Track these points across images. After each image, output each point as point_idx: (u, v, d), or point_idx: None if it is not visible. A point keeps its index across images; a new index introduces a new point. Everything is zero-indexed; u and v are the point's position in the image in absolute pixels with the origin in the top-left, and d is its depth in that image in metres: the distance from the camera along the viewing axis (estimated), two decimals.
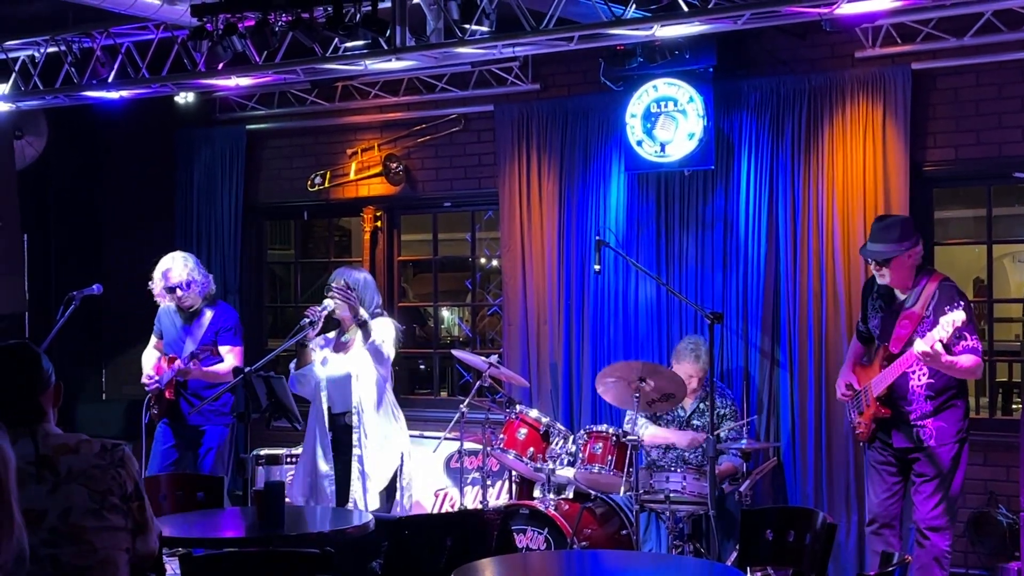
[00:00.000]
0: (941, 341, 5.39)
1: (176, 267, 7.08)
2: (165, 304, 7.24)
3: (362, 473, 6.42)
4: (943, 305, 5.54)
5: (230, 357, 7.04)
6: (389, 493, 6.56)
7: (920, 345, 5.44)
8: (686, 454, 6.72)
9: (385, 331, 6.46)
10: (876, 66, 6.94)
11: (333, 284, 6.52)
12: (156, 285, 7.14)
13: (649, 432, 6.73)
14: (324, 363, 6.53)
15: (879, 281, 5.91)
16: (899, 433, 5.82)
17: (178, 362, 6.93)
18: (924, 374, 5.73)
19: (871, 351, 6.05)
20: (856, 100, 6.93)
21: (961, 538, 6.69)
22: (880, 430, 5.89)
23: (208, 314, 7.15)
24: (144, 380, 7.19)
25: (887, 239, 5.81)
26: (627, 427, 6.53)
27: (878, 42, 6.95)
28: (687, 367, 6.82)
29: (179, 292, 7.07)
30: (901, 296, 5.88)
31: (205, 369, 6.92)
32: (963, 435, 5.79)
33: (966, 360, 5.55)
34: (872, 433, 5.90)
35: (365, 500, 6.41)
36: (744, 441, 6.54)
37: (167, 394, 7.05)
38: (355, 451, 6.44)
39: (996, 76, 6.76)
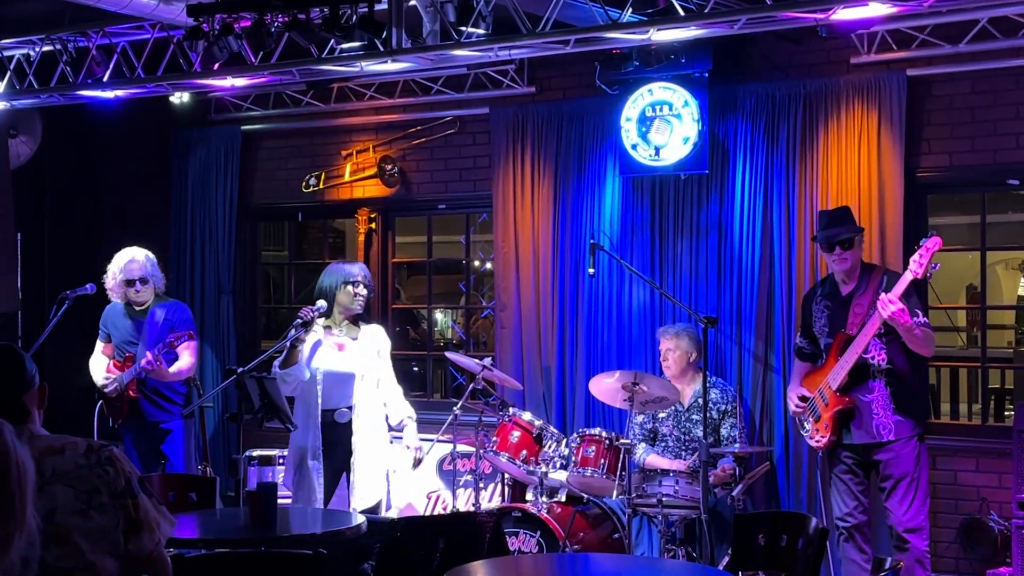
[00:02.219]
0: (899, 298, 5.63)
1: (136, 261, 7.06)
2: (115, 300, 7.17)
3: (359, 476, 6.41)
4: (892, 286, 5.77)
5: (186, 355, 7.02)
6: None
7: (883, 297, 5.65)
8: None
9: (398, 388, 6.70)
10: (871, 72, 6.95)
11: (360, 282, 6.51)
12: (113, 278, 7.08)
13: (649, 460, 6.73)
14: (317, 348, 6.47)
15: (837, 268, 6.08)
16: (859, 428, 5.90)
17: (148, 355, 6.79)
18: (883, 360, 5.81)
19: (816, 362, 6.22)
20: (851, 106, 6.94)
21: (953, 544, 6.70)
22: (841, 430, 5.93)
23: (160, 312, 7.07)
24: (102, 382, 7.06)
25: (844, 223, 6.10)
26: (629, 437, 6.54)
27: (874, 48, 6.96)
28: (663, 344, 6.95)
29: (137, 286, 7.04)
30: (847, 289, 6.04)
31: (168, 370, 6.91)
32: (922, 430, 5.93)
33: (922, 330, 5.77)
34: (833, 441, 5.94)
35: (359, 493, 6.40)
36: (737, 445, 6.55)
37: (130, 392, 6.97)
38: (354, 450, 6.42)
39: (991, 83, 6.77)
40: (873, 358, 5.86)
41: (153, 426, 7.08)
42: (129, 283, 7.03)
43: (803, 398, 6.13)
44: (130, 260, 7.06)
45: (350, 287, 6.47)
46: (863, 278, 5.99)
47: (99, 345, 7.27)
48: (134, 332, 7.07)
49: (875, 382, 5.87)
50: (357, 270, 6.56)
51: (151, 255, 7.18)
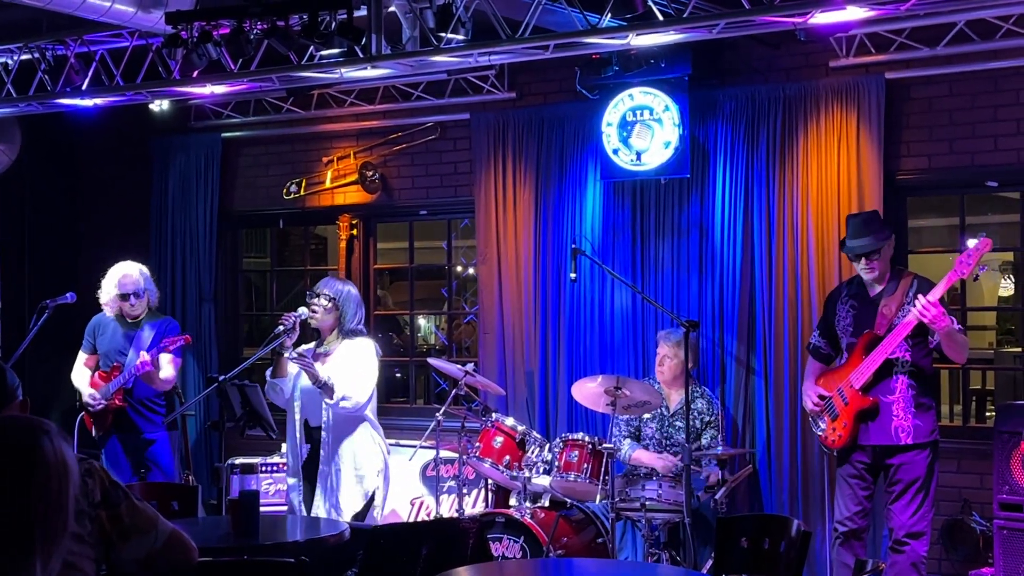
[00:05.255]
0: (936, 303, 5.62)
1: (132, 275, 7.05)
2: (109, 313, 7.16)
3: (327, 492, 6.29)
4: (923, 291, 5.74)
5: (170, 368, 7.00)
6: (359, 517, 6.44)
7: (922, 300, 5.62)
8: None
9: (361, 371, 6.29)
10: (850, 75, 6.98)
11: (315, 293, 6.45)
12: (108, 292, 7.07)
13: (635, 455, 6.73)
14: (298, 376, 6.43)
15: (867, 277, 6.01)
16: (878, 428, 5.86)
17: (144, 354, 6.79)
18: (907, 361, 5.80)
19: (831, 363, 6.18)
20: (830, 109, 6.97)
21: (935, 545, 6.71)
22: (857, 430, 5.91)
23: (152, 327, 7.06)
24: (88, 399, 7.04)
25: (871, 232, 5.98)
26: (613, 441, 6.53)
27: (852, 52, 6.99)
28: (661, 349, 6.92)
29: (132, 300, 7.02)
30: (876, 289, 5.99)
31: (160, 376, 6.89)
32: (935, 437, 5.90)
33: (961, 335, 5.76)
34: (848, 442, 5.92)
35: (323, 507, 6.33)
36: (720, 448, 6.56)
37: (116, 400, 6.95)
38: (321, 470, 6.29)
39: (969, 86, 6.81)
40: (899, 359, 5.86)
41: (138, 436, 7.05)
42: (124, 297, 7.03)
43: (821, 397, 6.10)
44: (125, 274, 7.06)
45: (310, 300, 6.44)
46: (892, 280, 5.92)
47: (81, 356, 7.23)
48: (124, 343, 7.05)
49: (897, 383, 5.84)
50: (319, 284, 6.46)
51: (145, 269, 7.17)
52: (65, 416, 9.21)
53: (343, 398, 6.19)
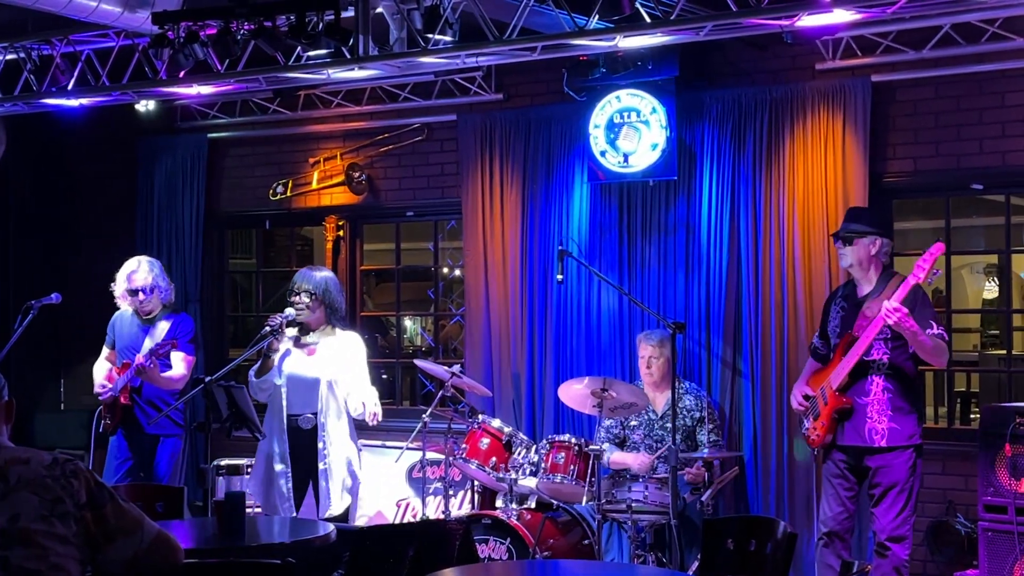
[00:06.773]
0: (901, 303, 5.61)
1: (141, 271, 7.02)
2: (124, 307, 7.16)
3: (325, 476, 6.37)
4: (910, 305, 5.70)
5: (181, 365, 6.98)
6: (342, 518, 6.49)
7: (887, 304, 5.62)
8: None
9: (363, 371, 6.51)
10: (836, 78, 7.00)
11: (295, 291, 6.46)
12: (119, 287, 7.07)
13: (613, 457, 6.74)
14: (287, 354, 6.45)
15: (842, 264, 6.08)
16: (852, 429, 5.89)
17: (139, 356, 6.78)
18: (884, 363, 5.81)
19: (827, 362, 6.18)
20: (816, 111, 6.99)
21: (920, 547, 6.73)
22: (836, 430, 5.93)
23: (166, 323, 7.05)
24: (97, 389, 7.08)
25: (855, 220, 6.07)
26: (596, 441, 6.54)
27: (838, 54, 7.01)
28: (641, 349, 6.92)
29: (141, 296, 7.00)
30: (865, 290, 6.00)
31: (161, 375, 6.87)
32: (916, 442, 5.87)
33: (932, 339, 5.71)
34: (828, 440, 5.94)
35: (329, 500, 6.37)
36: (707, 450, 6.56)
37: (122, 399, 6.94)
38: (321, 455, 6.38)
39: (954, 88, 6.83)
40: (876, 360, 5.87)
41: (142, 436, 7.02)
42: (133, 293, 7.01)
43: (807, 396, 6.13)
44: (133, 270, 7.02)
45: (291, 298, 6.47)
46: (881, 283, 5.92)
47: (104, 350, 7.26)
48: (138, 339, 7.04)
49: (872, 385, 5.85)
50: (297, 279, 6.52)
51: (157, 264, 7.13)
52: (52, 415, 9.20)
53: (374, 415, 6.43)
